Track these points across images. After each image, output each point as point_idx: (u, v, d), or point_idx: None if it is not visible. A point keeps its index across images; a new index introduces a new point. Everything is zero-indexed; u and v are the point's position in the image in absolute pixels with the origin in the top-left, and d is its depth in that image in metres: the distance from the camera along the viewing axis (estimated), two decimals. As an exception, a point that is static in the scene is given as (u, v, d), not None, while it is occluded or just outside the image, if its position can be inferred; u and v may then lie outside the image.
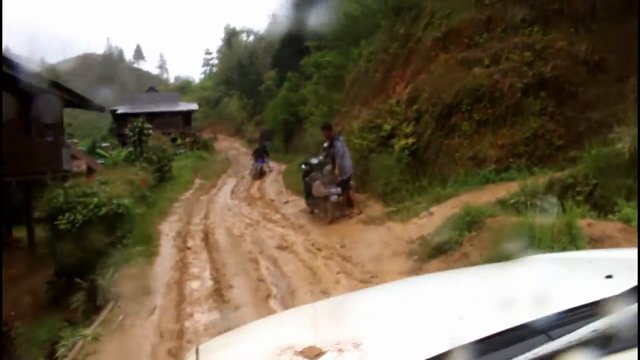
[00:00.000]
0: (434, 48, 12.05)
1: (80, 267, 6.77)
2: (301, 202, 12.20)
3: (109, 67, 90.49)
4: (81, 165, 21.44)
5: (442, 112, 10.61)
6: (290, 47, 31.00)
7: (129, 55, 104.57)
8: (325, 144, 12.28)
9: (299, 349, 0.97)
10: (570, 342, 0.69)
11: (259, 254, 7.42)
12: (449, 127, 10.46)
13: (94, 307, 5.94)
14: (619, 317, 0.72)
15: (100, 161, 25.99)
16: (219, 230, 9.43)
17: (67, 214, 7.34)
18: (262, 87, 39.44)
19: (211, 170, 22.21)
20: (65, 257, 7.26)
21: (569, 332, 0.72)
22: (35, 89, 10.63)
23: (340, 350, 0.95)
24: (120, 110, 32.19)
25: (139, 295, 5.97)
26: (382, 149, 11.74)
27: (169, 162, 18.45)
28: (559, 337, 0.72)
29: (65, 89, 13.41)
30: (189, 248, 8.27)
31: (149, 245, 7.97)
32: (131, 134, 16.38)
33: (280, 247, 7.65)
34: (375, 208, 9.53)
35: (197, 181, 18.55)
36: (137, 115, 26.74)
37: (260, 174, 19.17)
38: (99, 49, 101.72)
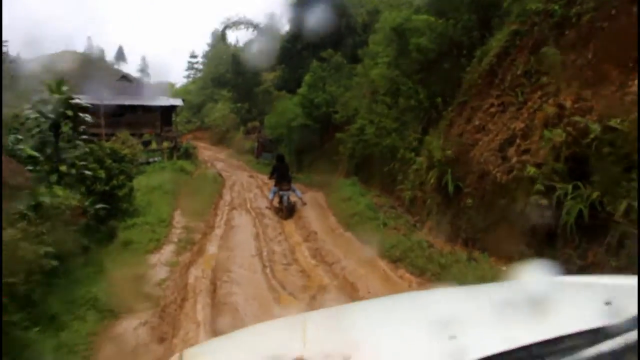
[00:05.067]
0: None
1: None
2: None
3: (87, 65, 79.48)
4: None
5: None
6: (300, 41, 23.43)
7: (110, 56, 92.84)
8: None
9: None
10: None
11: None
12: None
13: None
14: (619, 344, 0.68)
15: (31, 167, 16.35)
16: None
17: None
18: (258, 89, 30.53)
19: (200, 193, 13.02)
20: None
21: (568, 357, 0.66)
22: None
23: None
24: (77, 101, 22.18)
25: None
26: None
27: (129, 181, 9.32)
28: None
29: None
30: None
31: None
32: (39, 118, 7.10)
33: None
34: None
35: (179, 218, 9.37)
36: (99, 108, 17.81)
37: (289, 211, 10.16)
38: (80, 48, 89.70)
